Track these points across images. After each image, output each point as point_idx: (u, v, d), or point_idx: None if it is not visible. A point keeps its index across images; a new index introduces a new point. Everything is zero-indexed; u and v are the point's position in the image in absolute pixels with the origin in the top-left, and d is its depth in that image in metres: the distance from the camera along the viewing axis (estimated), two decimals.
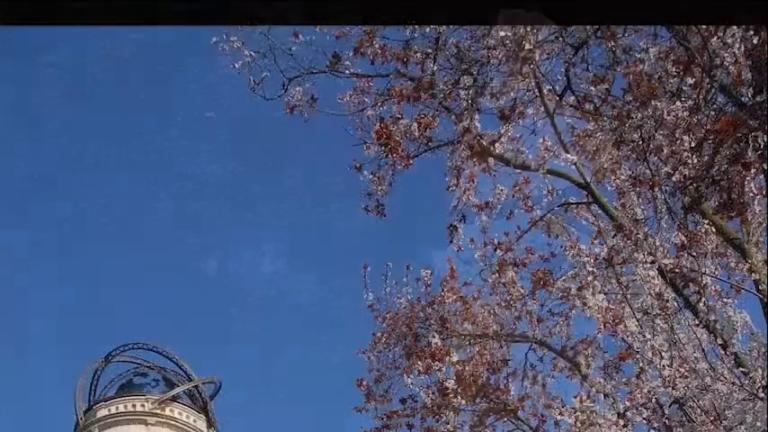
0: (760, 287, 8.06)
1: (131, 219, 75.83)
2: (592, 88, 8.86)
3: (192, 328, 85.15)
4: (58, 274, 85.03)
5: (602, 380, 9.10)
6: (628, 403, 8.72)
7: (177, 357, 41.64)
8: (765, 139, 6.54)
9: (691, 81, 8.04)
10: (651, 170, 8.05)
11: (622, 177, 8.27)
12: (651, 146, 7.82)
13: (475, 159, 9.04)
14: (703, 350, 8.38)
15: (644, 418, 8.83)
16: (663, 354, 8.24)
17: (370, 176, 9.29)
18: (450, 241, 9.61)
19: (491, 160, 9.12)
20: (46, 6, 3.82)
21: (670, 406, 9.16)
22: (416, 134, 9.06)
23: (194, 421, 39.34)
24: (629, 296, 8.62)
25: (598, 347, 9.90)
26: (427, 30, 8.74)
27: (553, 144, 8.78)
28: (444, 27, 8.71)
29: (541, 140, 8.82)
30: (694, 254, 8.51)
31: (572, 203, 9.67)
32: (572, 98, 9.01)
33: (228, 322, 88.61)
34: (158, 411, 38.34)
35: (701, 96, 7.97)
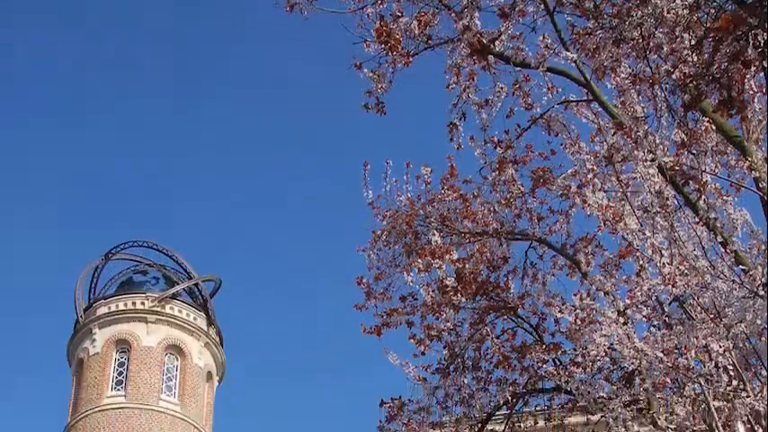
0: (760, 185, 8.17)
1: None
2: None
3: (193, 221, 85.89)
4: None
5: (602, 277, 9.27)
6: (628, 301, 8.93)
7: (177, 255, 42.07)
8: (765, 37, 6.59)
9: None
10: (651, 68, 8.09)
11: (622, 75, 8.31)
12: (651, 44, 7.85)
13: (475, 57, 9.08)
14: (703, 248, 8.54)
15: (644, 316, 9.06)
16: (663, 251, 8.41)
17: (370, 74, 9.38)
18: (451, 139, 9.73)
19: (491, 58, 9.14)
20: None
21: (670, 304, 9.40)
22: (416, 32, 9.10)
23: (194, 319, 39.93)
24: (629, 194, 8.73)
25: (598, 245, 10.07)
26: None
27: (553, 42, 8.79)
28: None
29: (541, 38, 8.83)
30: (694, 151, 8.63)
31: (572, 101, 9.72)
32: None
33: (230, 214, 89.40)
34: (158, 309, 38.87)
35: None
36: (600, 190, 8.73)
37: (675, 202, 8.75)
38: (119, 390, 37.33)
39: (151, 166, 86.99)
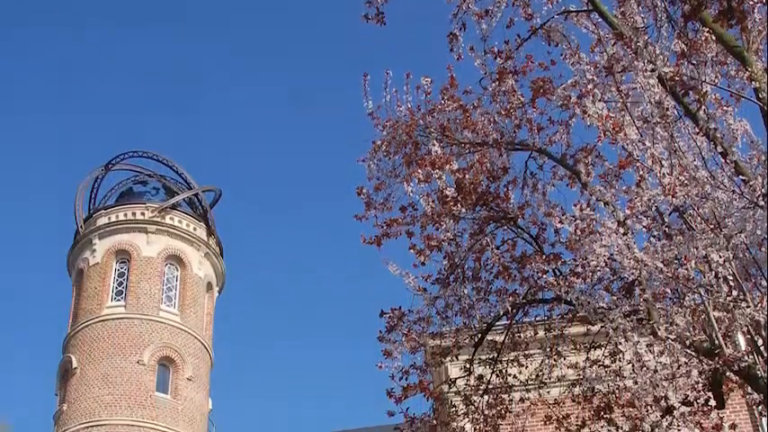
0: (760, 95, 8.24)
1: None
2: None
3: (194, 137, 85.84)
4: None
5: (602, 188, 9.32)
6: (628, 211, 9.02)
7: (177, 165, 42.26)
8: None
9: None
10: None
11: None
12: None
13: None
14: (703, 158, 8.65)
15: (644, 226, 9.17)
16: (663, 162, 8.52)
17: None
18: (451, 50, 9.80)
19: None
20: None
21: (670, 214, 9.52)
22: None
23: (194, 229, 40.26)
24: (628, 104, 8.80)
25: (598, 155, 10.15)
26: None
27: None
28: None
29: None
30: (694, 62, 8.69)
31: (572, 11, 9.74)
32: None
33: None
34: (158, 219, 39.18)
35: None
36: (600, 100, 8.79)
37: (675, 112, 8.83)
38: (119, 300, 37.85)
39: (152, 80, 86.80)
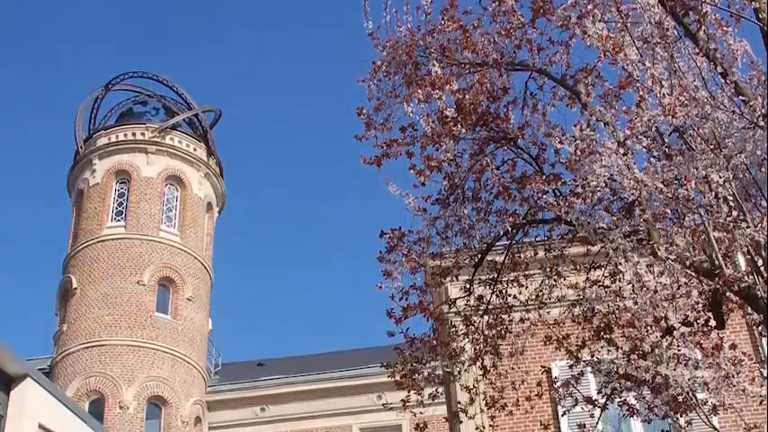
0: (759, 15, 8.27)
1: None
2: None
3: (194, 54, 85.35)
4: None
5: (602, 108, 9.36)
6: (628, 132, 9.09)
7: (177, 86, 42.21)
8: None
9: None
10: None
11: None
12: None
13: None
14: (703, 79, 8.70)
15: (644, 147, 9.25)
16: (663, 82, 8.58)
17: None
18: None
19: None
20: None
21: (670, 134, 9.59)
22: None
23: (194, 150, 40.34)
24: (628, 24, 8.83)
25: (598, 76, 10.16)
26: None
27: None
28: None
29: None
30: None
31: None
32: None
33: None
34: (158, 140, 39.27)
35: None
36: (600, 20, 8.81)
37: (675, 32, 8.85)
38: (119, 220, 38.09)
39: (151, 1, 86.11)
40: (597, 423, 11.66)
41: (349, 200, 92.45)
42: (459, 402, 12.35)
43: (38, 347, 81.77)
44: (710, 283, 9.65)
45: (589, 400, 11.27)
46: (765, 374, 10.09)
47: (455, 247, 11.48)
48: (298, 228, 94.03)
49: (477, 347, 12.09)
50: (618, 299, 10.83)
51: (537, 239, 11.78)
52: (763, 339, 18.93)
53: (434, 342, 11.69)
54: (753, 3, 8.29)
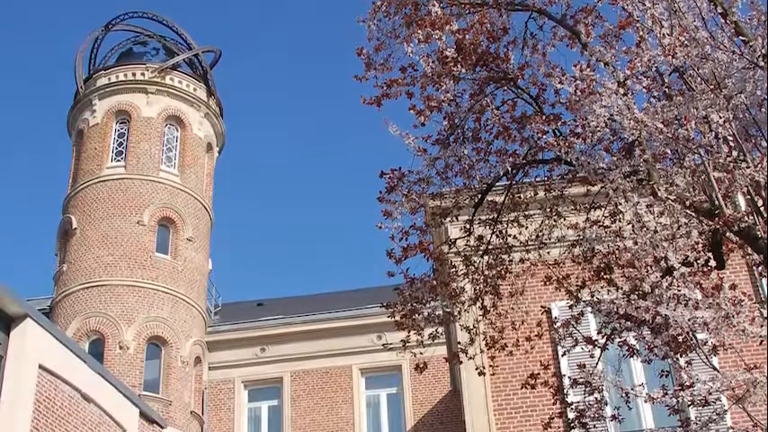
0: None
1: None
2: None
3: None
4: None
5: (601, 48, 9.41)
6: (628, 72, 9.14)
7: (177, 26, 42.08)
8: None
9: None
10: None
11: None
12: None
13: None
14: (703, 19, 8.72)
15: (644, 87, 9.30)
16: (663, 22, 8.62)
17: None
18: None
19: None
20: None
21: (670, 75, 9.63)
22: None
23: (194, 90, 40.28)
24: None
25: (598, 16, 10.15)
26: None
27: None
28: None
29: None
30: None
31: None
32: None
33: None
34: (158, 80, 39.20)
35: None
36: None
37: None
38: (119, 161, 38.14)
39: None
40: (597, 363, 11.78)
41: (349, 141, 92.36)
42: (460, 343, 12.48)
43: (38, 288, 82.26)
44: (710, 223, 9.73)
45: (589, 341, 11.38)
46: (765, 314, 10.19)
47: (455, 187, 11.54)
48: (298, 169, 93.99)
49: (477, 288, 12.20)
50: (618, 239, 10.91)
51: (537, 180, 11.83)
52: (763, 279, 19.06)
53: (434, 282, 11.80)
54: None
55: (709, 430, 11.63)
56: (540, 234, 12.08)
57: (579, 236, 11.26)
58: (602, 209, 11.43)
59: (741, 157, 9.44)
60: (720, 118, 8.89)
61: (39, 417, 20.52)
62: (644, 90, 9.36)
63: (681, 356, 11.08)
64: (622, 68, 9.29)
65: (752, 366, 11.60)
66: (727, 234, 10.00)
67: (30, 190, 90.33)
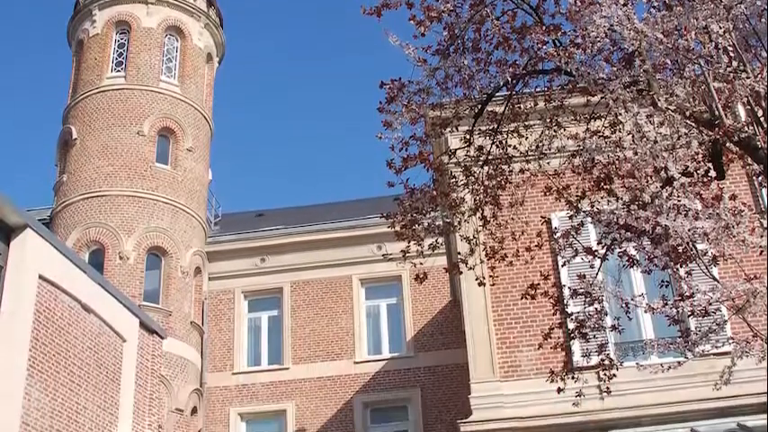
0: None
1: None
2: None
3: None
4: None
5: None
6: None
7: None
8: None
9: None
10: None
11: None
12: None
13: None
14: None
15: None
16: None
17: None
18: None
19: None
20: None
21: None
22: None
23: (194, 0, 40.03)
24: None
25: None
26: None
27: None
28: None
29: None
30: None
31: None
32: None
33: None
34: None
35: None
36: None
37: None
38: (119, 71, 38.07)
39: None
40: (597, 274, 11.90)
41: (349, 54, 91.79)
42: (459, 253, 12.59)
43: (38, 198, 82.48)
44: (710, 133, 9.79)
45: (589, 251, 11.49)
46: (765, 225, 10.30)
47: (455, 97, 11.53)
48: (298, 81, 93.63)
49: (477, 198, 12.28)
50: (618, 149, 10.96)
51: (537, 90, 11.83)
52: (763, 190, 19.17)
53: (434, 192, 11.87)
54: None
55: (709, 340, 11.78)
56: (540, 144, 12.11)
57: (579, 146, 11.29)
58: (602, 119, 11.46)
59: (741, 68, 9.47)
60: (720, 28, 8.91)
61: (38, 327, 20.78)
62: (644, 0, 9.34)
63: (681, 267, 11.20)
64: None
65: (752, 277, 11.73)
66: (727, 144, 10.06)
67: (30, 100, 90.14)
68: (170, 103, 37.89)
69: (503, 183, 12.21)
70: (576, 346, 17.71)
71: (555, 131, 11.99)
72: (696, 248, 10.97)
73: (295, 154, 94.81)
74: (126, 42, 38.67)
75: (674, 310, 10.96)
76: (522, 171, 12.32)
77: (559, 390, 12.28)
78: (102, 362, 23.73)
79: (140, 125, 36.76)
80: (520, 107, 12.01)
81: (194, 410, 34.82)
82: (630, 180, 10.85)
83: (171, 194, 36.29)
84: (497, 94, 11.75)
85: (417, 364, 35.65)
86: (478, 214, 12.42)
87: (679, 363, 12.63)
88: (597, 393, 12.32)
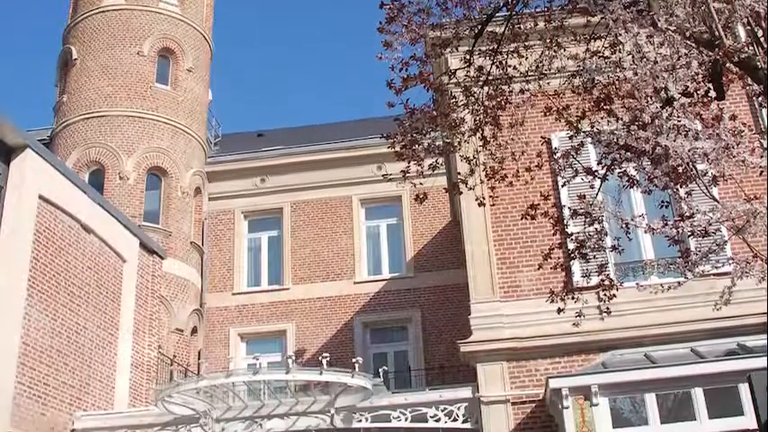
0: None
1: None
2: None
3: None
4: None
5: None
6: None
7: None
8: None
9: None
10: None
11: None
12: None
13: None
14: None
15: None
16: None
17: None
18: None
19: None
20: None
21: None
22: None
23: None
24: None
25: None
26: None
27: None
28: None
29: None
30: None
31: None
32: None
33: None
34: None
35: None
36: None
37: None
38: None
39: None
40: (597, 194, 11.95)
41: None
42: (459, 173, 12.62)
43: (38, 119, 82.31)
44: (710, 54, 9.77)
45: (589, 171, 11.51)
46: (765, 145, 10.35)
47: (455, 18, 11.52)
48: (299, 0, 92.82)
49: (477, 118, 12.29)
50: (618, 69, 10.96)
51: (537, 10, 11.81)
52: (763, 110, 19.19)
53: (434, 113, 11.88)
54: None
55: (708, 261, 11.87)
56: (540, 65, 12.09)
57: (579, 66, 11.29)
58: (603, 39, 11.44)
59: None
60: None
61: (39, 247, 20.95)
62: None
63: (681, 187, 11.24)
64: None
65: (752, 197, 11.79)
66: (727, 65, 10.04)
67: (30, 20, 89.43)
68: (170, 24, 37.71)
69: (503, 103, 12.21)
70: (576, 266, 17.88)
71: (555, 52, 11.96)
72: (696, 169, 11.00)
73: (296, 74, 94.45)
74: None
75: (674, 231, 11.01)
76: (522, 91, 12.30)
77: (559, 310, 12.40)
78: (102, 282, 23.96)
79: (140, 45, 36.63)
80: (520, 27, 11.96)
81: (194, 331, 35.16)
82: (630, 100, 10.84)
83: (171, 115, 36.28)
84: (497, 14, 11.71)
85: (417, 285, 35.90)
86: (478, 134, 12.44)
87: (679, 283, 12.74)
88: (597, 314, 12.44)
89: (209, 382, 20.30)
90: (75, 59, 36.71)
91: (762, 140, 10.39)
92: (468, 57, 12.05)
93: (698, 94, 9.87)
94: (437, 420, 20.04)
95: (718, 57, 9.69)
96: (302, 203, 37.93)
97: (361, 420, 20.59)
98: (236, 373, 20.85)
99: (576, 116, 12.19)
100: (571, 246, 12.20)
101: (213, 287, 36.92)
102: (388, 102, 11.45)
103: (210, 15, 40.78)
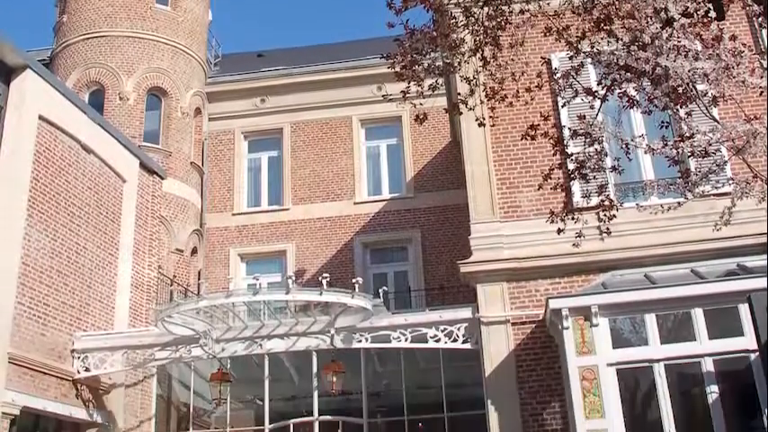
0: None
1: None
2: None
3: None
4: None
5: None
6: None
7: None
8: None
9: None
10: None
11: None
12: None
13: None
14: None
15: None
16: None
17: None
18: None
19: None
20: None
21: None
22: None
23: None
24: None
25: None
26: None
27: None
28: None
29: None
30: None
31: None
32: None
33: None
34: None
35: None
36: None
37: None
38: None
39: None
40: (597, 114, 11.94)
41: None
42: (459, 94, 12.58)
43: (38, 39, 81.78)
44: None
45: (589, 92, 11.48)
46: (765, 65, 10.31)
47: None
48: None
49: (477, 38, 12.23)
50: None
51: None
52: (763, 31, 19.10)
53: (434, 33, 11.83)
54: None
55: (708, 181, 11.89)
56: None
57: None
58: None
59: None
60: None
61: (39, 167, 20.98)
62: None
63: (680, 108, 11.20)
64: None
65: (752, 117, 11.77)
66: None
67: None
68: None
69: (503, 23, 12.14)
70: (576, 186, 17.94)
71: None
72: (696, 89, 10.96)
73: None
74: None
75: (674, 151, 11.00)
76: (521, 12, 12.23)
77: (559, 230, 12.46)
78: (102, 202, 24.02)
79: None
80: None
81: (194, 251, 35.31)
82: (630, 21, 10.79)
83: (171, 35, 36.06)
84: None
85: (417, 205, 35.95)
86: (478, 55, 12.39)
87: (679, 203, 12.77)
88: (597, 234, 12.49)
89: (209, 303, 20.42)
90: None
91: (761, 61, 10.35)
92: None
93: (698, 15, 9.82)
94: (437, 341, 20.20)
95: None
96: (302, 124, 37.84)
97: (361, 341, 20.77)
98: (236, 294, 20.94)
99: (576, 37, 12.11)
100: (571, 166, 12.21)
101: (213, 207, 36.98)
102: (389, 22, 11.41)
103: None
